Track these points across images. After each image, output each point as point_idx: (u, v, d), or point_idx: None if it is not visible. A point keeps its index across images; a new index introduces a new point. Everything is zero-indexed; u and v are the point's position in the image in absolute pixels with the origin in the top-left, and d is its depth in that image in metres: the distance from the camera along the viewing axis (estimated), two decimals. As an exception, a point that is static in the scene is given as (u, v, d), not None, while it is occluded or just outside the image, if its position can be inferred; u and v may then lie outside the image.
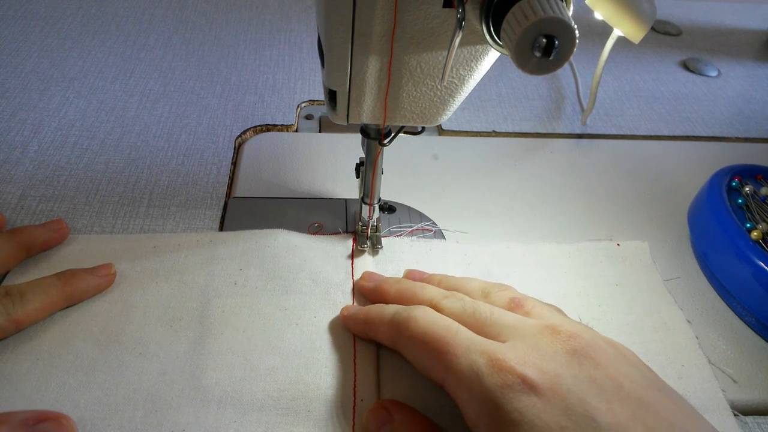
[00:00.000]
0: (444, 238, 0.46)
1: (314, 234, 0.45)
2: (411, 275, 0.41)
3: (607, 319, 0.41)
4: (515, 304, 0.35)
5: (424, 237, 0.46)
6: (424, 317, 0.33)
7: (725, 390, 0.38)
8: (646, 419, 0.27)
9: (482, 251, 0.45)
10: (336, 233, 0.45)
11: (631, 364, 0.30)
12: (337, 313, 0.39)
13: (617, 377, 0.29)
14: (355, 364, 0.36)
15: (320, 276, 0.41)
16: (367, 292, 0.40)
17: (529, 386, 0.28)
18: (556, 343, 0.30)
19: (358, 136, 0.41)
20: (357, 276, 0.42)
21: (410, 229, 0.46)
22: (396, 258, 0.44)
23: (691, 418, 0.29)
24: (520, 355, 0.29)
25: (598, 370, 0.29)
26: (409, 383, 0.35)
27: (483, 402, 0.28)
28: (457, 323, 0.33)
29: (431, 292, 0.37)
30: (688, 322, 0.42)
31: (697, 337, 0.40)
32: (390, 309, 0.36)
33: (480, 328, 0.33)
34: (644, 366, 0.31)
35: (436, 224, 0.47)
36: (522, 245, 0.46)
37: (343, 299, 0.40)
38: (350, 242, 0.44)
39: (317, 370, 0.36)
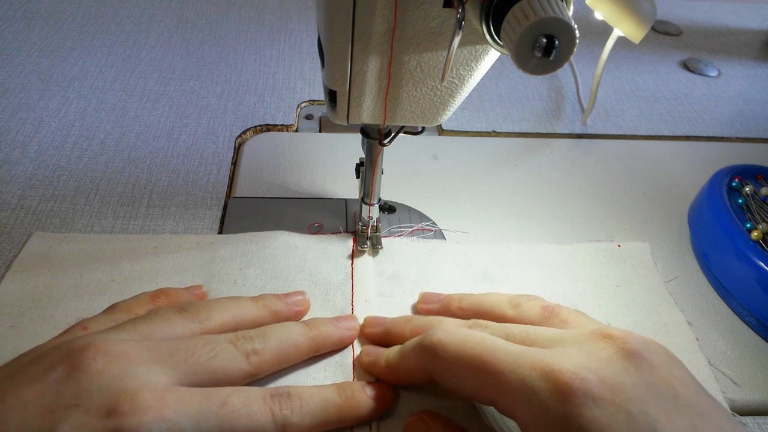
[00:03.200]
0: (444, 238, 0.46)
1: (314, 234, 0.45)
2: (426, 299, 0.40)
3: (607, 321, 0.41)
4: (549, 313, 0.34)
5: (424, 237, 0.46)
6: (451, 337, 0.31)
7: (725, 391, 0.38)
8: (703, 427, 0.27)
9: (482, 251, 0.45)
10: (336, 232, 0.45)
11: (680, 367, 0.30)
12: (335, 314, 0.39)
13: (672, 382, 0.28)
14: (354, 368, 0.36)
15: (320, 277, 0.41)
16: (376, 338, 0.37)
17: (591, 398, 0.27)
18: (609, 347, 0.29)
19: (358, 136, 0.41)
20: (357, 277, 0.42)
21: (410, 230, 0.46)
22: (396, 258, 0.44)
23: (736, 425, 0.28)
24: (575, 363, 0.28)
25: (654, 375, 0.28)
26: (407, 392, 0.35)
27: (544, 420, 0.27)
28: (490, 336, 0.31)
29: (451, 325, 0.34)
30: (689, 323, 0.41)
31: (697, 339, 0.40)
32: (408, 343, 0.33)
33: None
34: (687, 368, 0.30)
35: (436, 224, 0.47)
36: (522, 245, 0.46)
37: (342, 301, 0.40)
38: (350, 242, 0.44)
39: (315, 374, 0.36)
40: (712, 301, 0.44)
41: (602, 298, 0.43)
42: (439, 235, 0.47)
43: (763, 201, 0.45)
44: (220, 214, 0.47)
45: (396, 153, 0.53)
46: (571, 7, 0.27)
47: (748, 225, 0.43)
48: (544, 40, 0.25)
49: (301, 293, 0.39)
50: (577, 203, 0.52)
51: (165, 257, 0.42)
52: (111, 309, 0.35)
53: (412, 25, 0.30)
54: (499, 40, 0.28)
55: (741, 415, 0.37)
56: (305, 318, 0.39)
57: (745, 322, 0.43)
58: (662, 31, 0.83)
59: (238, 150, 0.55)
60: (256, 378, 0.33)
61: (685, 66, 0.75)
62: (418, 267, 0.43)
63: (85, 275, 0.40)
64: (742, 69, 0.76)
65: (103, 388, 0.27)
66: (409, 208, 0.49)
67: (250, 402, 0.30)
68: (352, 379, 0.35)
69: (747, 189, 0.46)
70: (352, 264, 0.43)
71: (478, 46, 0.32)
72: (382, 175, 0.42)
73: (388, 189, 0.48)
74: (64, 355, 0.28)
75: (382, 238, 0.44)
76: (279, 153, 0.54)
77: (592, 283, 0.44)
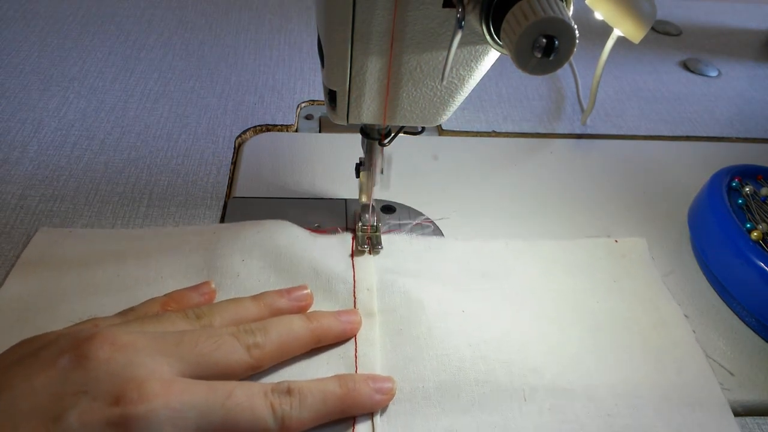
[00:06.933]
0: (442, 235, 0.46)
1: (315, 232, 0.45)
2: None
3: (604, 315, 0.41)
4: None
5: (423, 234, 0.46)
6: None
7: (723, 383, 0.38)
8: None
9: (481, 248, 0.45)
10: (334, 230, 0.45)
11: None
12: (338, 305, 0.39)
13: None
14: (356, 360, 0.36)
15: (321, 267, 0.41)
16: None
17: None
18: None
19: (358, 136, 0.41)
20: (358, 267, 0.42)
21: (410, 225, 0.46)
22: (395, 255, 0.44)
23: None
24: None
25: None
26: (410, 382, 0.36)
27: None
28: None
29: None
30: (686, 317, 0.42)
31: (694, 331, 0.41)
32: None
33: None
34: None
35: (435, 223, 0.47)
36: (521, 242, 0.46)
37: (345, 290, 0.40)
38: (350, 240, 0.44)
39: (318, 367, 0.36)
40: (711, 302, 0.44)
41: (600, 292, 0.43)
42: (438, 232, 0.47)
43: (763, 201, 0.45)
44: (219, 214, 0.47)
45: (396, 153, 0.53)
46: (571, 7, 0.27)
47: (748, 225, 0.43)
48: (544, 40, 0.25)
49: (304, 287, 0.39)
50: (577, 203, 0.52)
51: (169, 251, 0.42)
52: (123, 313, 0.36)
53: (412, 25, 0.30)
54: (499, 40, 0.28)
55: (741, 415, 0.37)
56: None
57: (744, 322, 0.43)
58: (662, 31, 0.83)
59: (237, 150, 0.55)
60: (258, 370, 0.34)
61: (685, 66, 0.75)
62: (418, 264, 0.43)
63: (90, 269, 0.41)
64: (742, 69, 0.76)
65: (110, 375, 0.28)
66: (409, 208, 0.49)
67: (252, 396, 0.30)
68: (355, 372, 0.36)
69: (747, 189, 0.46)
70: (352, 258, 0.43)
71: (478, 46, 0.32)
72: (382, 175, 0.42)
73: (388, 189, 0.48)
74: (71, 343, 0.29)
75: (382, 236, 0.44)
76: (279, 153, 0.54)
77: (589, 278, 0.44)
